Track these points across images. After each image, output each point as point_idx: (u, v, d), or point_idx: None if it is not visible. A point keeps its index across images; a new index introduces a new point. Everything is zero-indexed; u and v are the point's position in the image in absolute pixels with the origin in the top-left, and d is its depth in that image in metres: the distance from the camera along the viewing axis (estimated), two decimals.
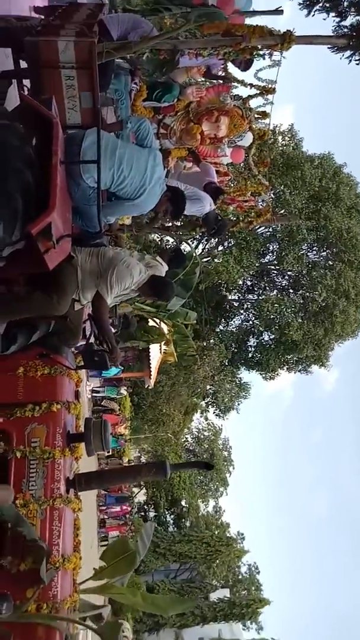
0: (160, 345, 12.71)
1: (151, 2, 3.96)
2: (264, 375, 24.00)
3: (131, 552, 2.69)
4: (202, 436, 30.52)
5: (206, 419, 29.39)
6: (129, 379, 19.22)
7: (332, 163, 21.29)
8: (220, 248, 22.74)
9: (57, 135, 2.53)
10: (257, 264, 22.29)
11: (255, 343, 24.21)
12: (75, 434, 2.84)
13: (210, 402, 26.27)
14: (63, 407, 2.72)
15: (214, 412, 26.99)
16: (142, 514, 27.99)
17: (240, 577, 29.16)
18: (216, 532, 26.79)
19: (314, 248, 22.69)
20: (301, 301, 22.16)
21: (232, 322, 25.10)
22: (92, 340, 3.21)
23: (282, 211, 20.27)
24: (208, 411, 27.55)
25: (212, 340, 23.43)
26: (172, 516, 29.55)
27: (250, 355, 24.32)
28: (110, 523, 18.64)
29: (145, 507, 28.81)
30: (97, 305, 3.03)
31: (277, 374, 24.01)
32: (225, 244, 22.42)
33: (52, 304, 2.79)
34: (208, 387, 24.38)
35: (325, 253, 22.35)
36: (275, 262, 22.93)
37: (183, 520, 28.82)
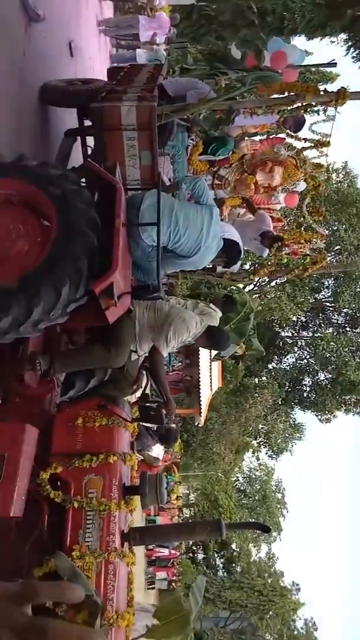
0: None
1: (208, 67, 4.17)
2: (319, 416, 23.14)
3: (185, 613, 2.61)
4: (253, 476, 29.55)
5: (258, 459, 28.49)
6: (178, 415, 19.09)
7: None
8: (272, 284, 22.54)
9: (120, 200, 2.68)
10: (311, 300, 21.87)
11: (310, 382, 23.48)
12: (131, 486, 2.85)
13: (262, 442, 25.51)
14: (119, 458, 2.74)
15: (267, 453, 26.16)
16: (191, 555, 27.13)
17: (295, 632, 27.33)
18: (269, 581, 25.42)
19: None
20: (359, 340, 21.42)
21: (285, 360, 24.56)
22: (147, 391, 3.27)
23: (338, 247, 19.94)
24: (260, 451, 26.72)
25: (264, 378, 22.98)
26: (221, 560, 28.39)
27: (305, 394, 23.58)
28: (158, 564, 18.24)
29: (194, 548, 27.94)
30: (153, 358, 3.11)
31: (334, 416, 23.06)
32: (278, 280, 22.20)
33: (110, 357, 2.90)
34: (260, 426, 23.75)
35: None
36: (331, 298, 22.41)
37: (233, 565, 27.59)
